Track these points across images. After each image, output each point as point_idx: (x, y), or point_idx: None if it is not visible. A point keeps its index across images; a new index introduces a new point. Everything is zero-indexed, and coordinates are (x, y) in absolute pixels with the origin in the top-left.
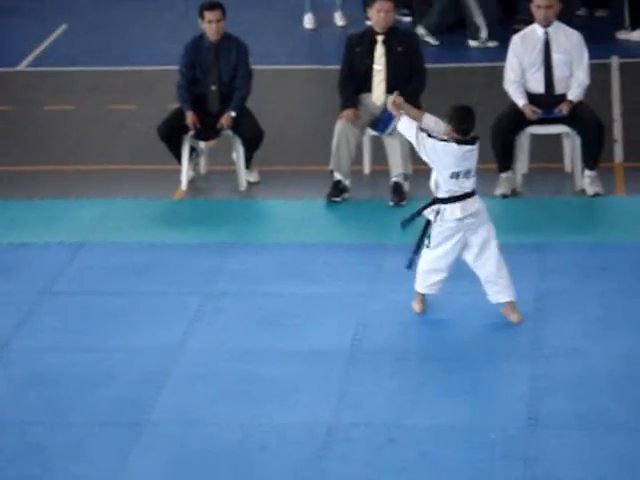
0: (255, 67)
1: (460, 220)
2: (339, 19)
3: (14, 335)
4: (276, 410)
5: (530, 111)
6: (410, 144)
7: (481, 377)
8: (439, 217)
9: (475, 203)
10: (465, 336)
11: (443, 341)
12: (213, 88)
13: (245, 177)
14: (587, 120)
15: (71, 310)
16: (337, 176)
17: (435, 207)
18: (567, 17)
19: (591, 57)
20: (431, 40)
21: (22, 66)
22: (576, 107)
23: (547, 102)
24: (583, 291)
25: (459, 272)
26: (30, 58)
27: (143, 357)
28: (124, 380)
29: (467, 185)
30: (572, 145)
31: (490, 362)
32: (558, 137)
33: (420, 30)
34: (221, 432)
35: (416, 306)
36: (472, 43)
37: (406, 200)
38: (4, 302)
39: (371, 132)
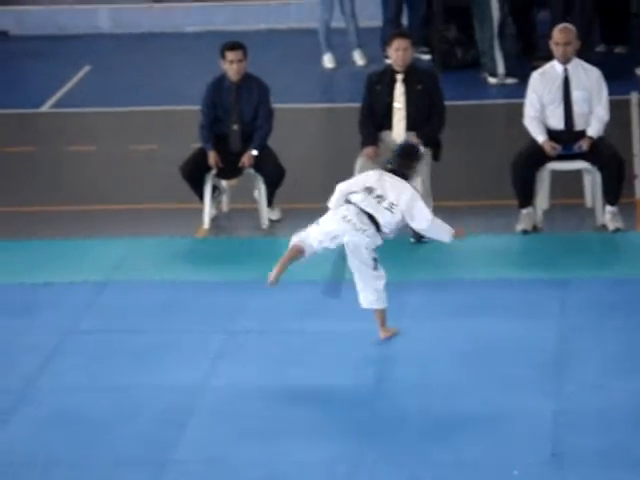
0: (276, 106)
1: (344, 218)
2: (358, 58)
3: (39, 374)
4: (299, 447)
5: (550, 147)
6: (429, 181)
7: (504, 413)
8: None
9: (366, 224)
10: (488, 372)
11: (466, 377)
12: (235, 127)
13: (267, 215)
14: (607, 156)
15: (95, 349)
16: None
17: None
18: (586, 54)
19: (610, 93)
20: (510, 80)
21: (45, 107)
22: (596, 143)
23: (567, 138)
24: (605, 327)
25: (481, 309)
26: (53, 99)
27: (166, 395)
28: (147, 419)
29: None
30: (592, 181)
31: (513, 398)
32: (578, 173)
33: (492, 80)
34: (244, 470)
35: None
36: (491, 80)
37: (426, 237)
38: (28, 342)
39: None
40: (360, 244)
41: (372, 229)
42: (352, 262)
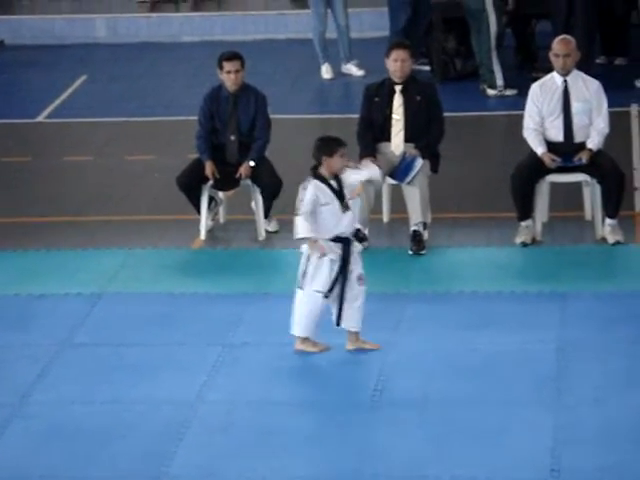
0: (273, 117)
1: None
2: (355, 70)
3: (33, 387)
4: (296, 462)
5: (549, 159)
6: (428, 193)
7: (503, 428)
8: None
9: None
10: (487, 386)
11: (465, 392)
12: (232, 138)
13: (264, 226)
14: (607, 168)
15: (90, 362)
16: (356, 225)
17: None
18: (586, 65)
19: (610, 105)
20: (509, 91)
21: (41, 117)
22: (596, 155)
23: (566, 150)
24: (605, 340)
25: (480, 321)
26: (50, 109)
27: (162, 409)
28: (143, 432)
29: None
30: (592, 193)
31: (512, 412)
32: (578, 185)
33: (491, 92)
34: None
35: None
36: (490, 92)
37: (425, 249)
38: (23, 354)
39: (390, 181)
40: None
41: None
42: None
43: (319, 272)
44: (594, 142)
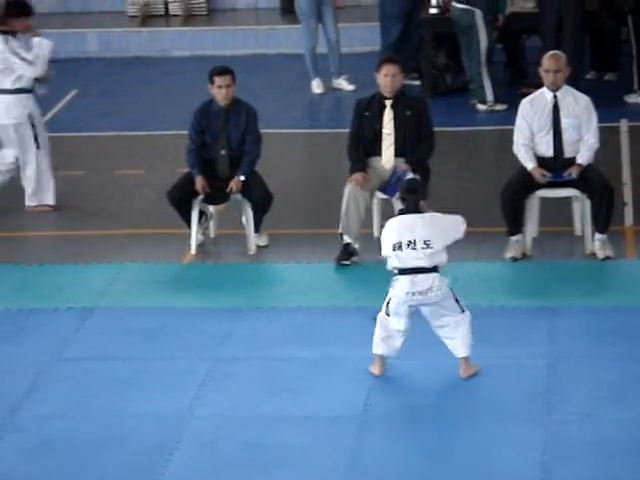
0: (264, 131)
1: (408, 294)
2: (345, 84)
3: (24, 401)
4: (286, 477)
5: (539, 174)
6: None
7: (493, 443)
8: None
9: (428, 280)
10: (477, 401)
11: (455, 407)
12: (222, 152)
13: (254, 241)
14: (597, 183)
15: (81, 376)
16: (346, 239)
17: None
18: (576, 81)
19: (600, 121)
20: (499, 107)
21: None
22: (586, 170)
23: (556, 166)
24: (595, 355)
25: (473, 335)
26: None
27: (152, 423)
28: (134, 447)
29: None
30: (582, 208)
31: (502, 427)
32: (568, 200)
33: (481, 107)
34: None
35: (375, 369)
36: (480, 107)
37: None
38: (14, 368)
39: (380, 195)
40: (438, 302)
41: (434, 279)
42: (437, 322)
43: None
44: (584, 157)
